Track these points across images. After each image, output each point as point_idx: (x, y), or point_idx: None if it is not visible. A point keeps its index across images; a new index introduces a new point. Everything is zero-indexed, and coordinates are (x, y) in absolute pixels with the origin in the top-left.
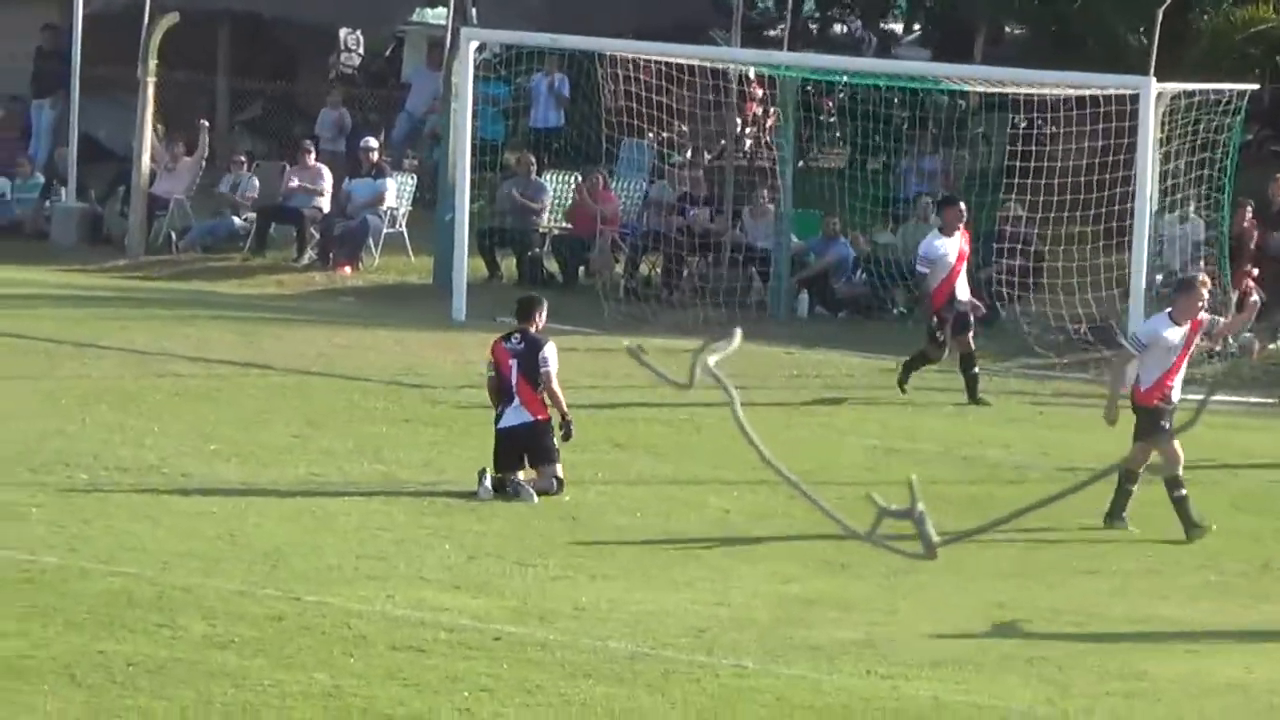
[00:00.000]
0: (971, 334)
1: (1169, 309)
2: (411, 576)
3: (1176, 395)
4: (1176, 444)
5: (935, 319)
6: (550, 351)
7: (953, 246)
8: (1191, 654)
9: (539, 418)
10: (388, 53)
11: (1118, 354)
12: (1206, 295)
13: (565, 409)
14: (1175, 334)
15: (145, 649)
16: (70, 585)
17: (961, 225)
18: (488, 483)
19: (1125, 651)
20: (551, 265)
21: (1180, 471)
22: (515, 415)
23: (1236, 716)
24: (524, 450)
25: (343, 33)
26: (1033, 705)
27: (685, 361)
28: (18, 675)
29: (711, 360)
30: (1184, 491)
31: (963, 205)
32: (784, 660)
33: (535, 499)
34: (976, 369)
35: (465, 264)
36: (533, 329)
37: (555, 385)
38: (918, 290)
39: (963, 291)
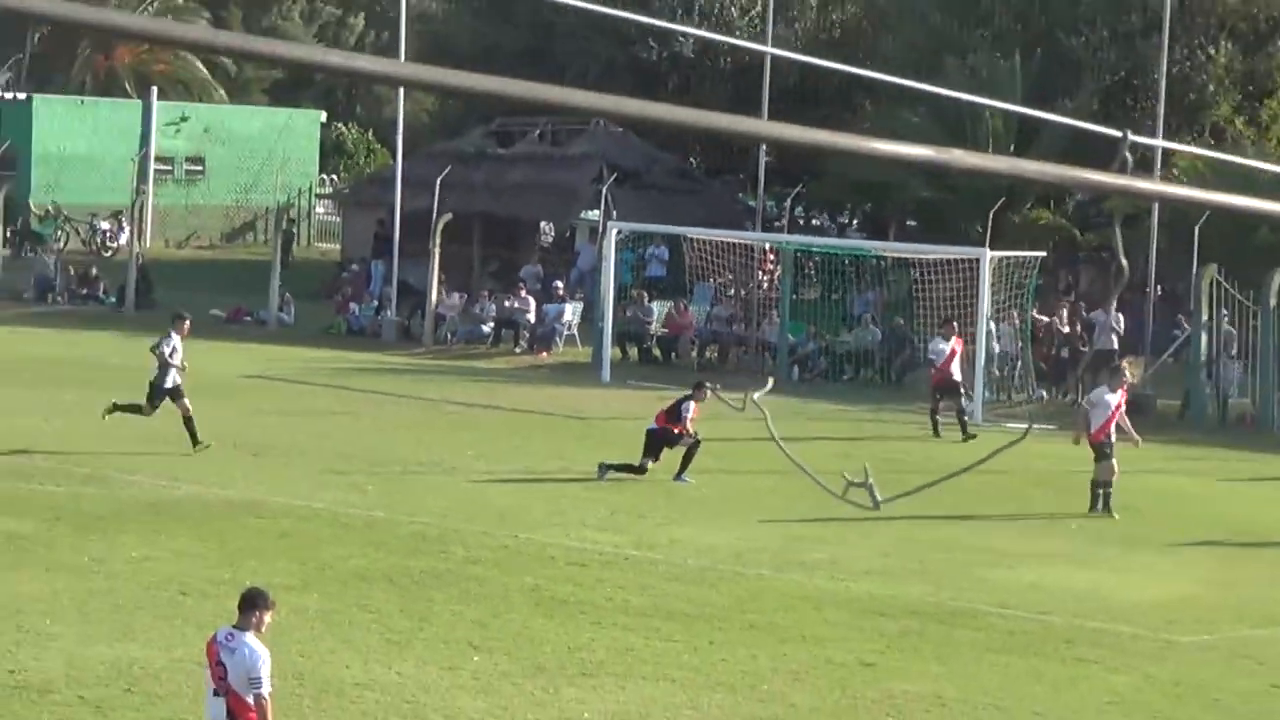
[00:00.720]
0: (959, 396)
1: (1108, 383)
2: (579, 523)
3: (1113, 436)
4: (1115, 463)
5: (935, 390)
6: (688, 406)
7: (948, 347)
8: (1011, 569)
9: (658, 428)
10: (567, 234)
11: (1080, 408)
12: (1129, 374)
13: (691, 433)
14: (1112, 398)
15: (431, 564)
16: (390, 528)
17: (955, 335)
18: (606, 474)
19: (978, 567)
20: (656, 352)
21: (1112, 479)
22: (652, 424)
23: (1035, 603)
24: (658, 445)
25: (541, 224)
26: (923, 595)
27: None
28: (362, 579)
29: (755, 395)
30: (1109, 490)
31: (954, 324)
32: (785, 570)
33: (690, 482)
34: (967, 417)
35: (609, 351)
36: (695, 395)
37: (688, 425)
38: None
39: (957, 374)
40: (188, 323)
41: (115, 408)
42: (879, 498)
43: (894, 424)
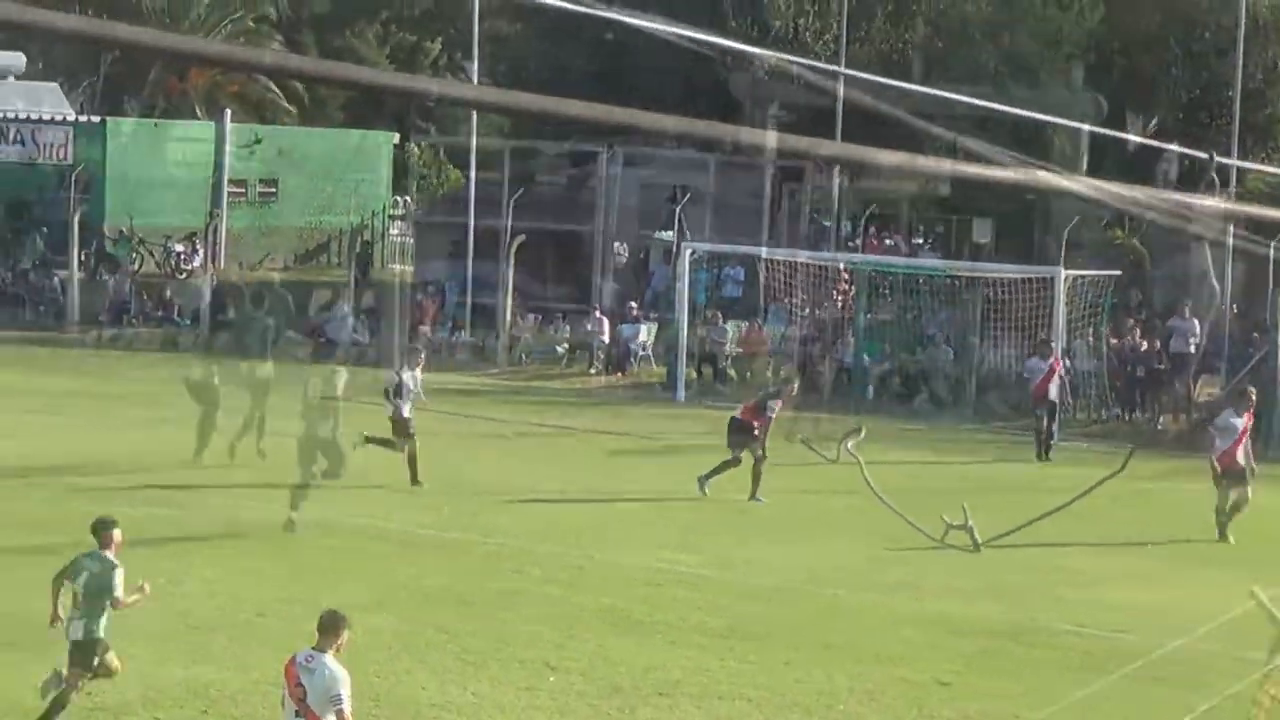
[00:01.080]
0: (1053, 418)
1: (1233, 406)
2: (654, 544)
3: (1241, 460)
4: (1249, 489)
5: (1036, 407)
6: (774, 406)
7: (1046, 365)
8: (1089, 589)
9: (741, 418)
10: (641, 255)
11: (1208, 434)
12: (1254, 398)
13: (764, 443)
14: (1238, 421)
15: (506, 584)
16: (464, 549)
17: (1054, 355)
18: (705, 488)
19: (1056, 586)
20: (731, 371)
21: (1243, 504)
22: (737, 414)
23: (1113, 622)
24: (739, 435)
25: (615, 244)
26: (1000, 614)
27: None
28: (436, 600)
29: (849, 444)
30: (1243, 513)
31: (1054, 344)
32: (862, 590)
33: (763, 501)
34: (1053, 440)
35: (684, 371)
36: (780, 394)
37: (770, 421)
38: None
39: (1053, 393)
40: (423, 354)
41: (367, 440)
42: (979, 539)
43: (970, 444)
